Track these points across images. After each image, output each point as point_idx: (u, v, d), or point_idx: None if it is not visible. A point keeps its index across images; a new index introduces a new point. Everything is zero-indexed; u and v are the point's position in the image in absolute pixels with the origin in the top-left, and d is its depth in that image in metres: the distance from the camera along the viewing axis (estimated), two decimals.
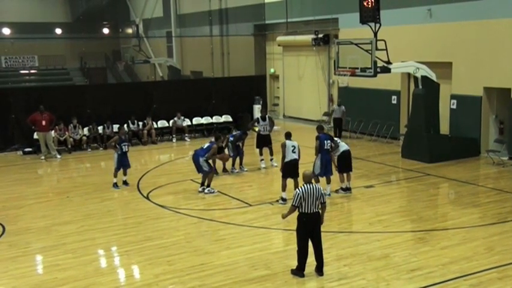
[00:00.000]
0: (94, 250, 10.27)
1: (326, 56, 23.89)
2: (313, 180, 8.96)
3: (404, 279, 8.50)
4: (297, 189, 8.60)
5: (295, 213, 8.63)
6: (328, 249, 9.38)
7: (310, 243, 8.62)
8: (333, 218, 11.59)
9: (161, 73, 35.81)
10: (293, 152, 12.66)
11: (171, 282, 8.67)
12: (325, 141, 12.84)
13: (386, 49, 15.38)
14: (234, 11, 29.25)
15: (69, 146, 19.76)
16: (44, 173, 17.72)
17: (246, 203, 12.85)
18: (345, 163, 13.23)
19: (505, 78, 16.14)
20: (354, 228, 11.20)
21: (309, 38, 23.77)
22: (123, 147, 14.36)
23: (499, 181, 14.42)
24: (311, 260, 8.68)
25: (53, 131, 19.15)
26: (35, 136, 19.25)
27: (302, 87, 25.80)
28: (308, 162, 13.26)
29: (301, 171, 11.56)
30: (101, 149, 20.17)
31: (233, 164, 15.87)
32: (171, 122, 21.83)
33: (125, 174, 14.63)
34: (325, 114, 23.47)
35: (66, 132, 19.78)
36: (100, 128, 20.51)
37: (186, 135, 21.89)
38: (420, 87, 16.79)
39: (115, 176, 14.49)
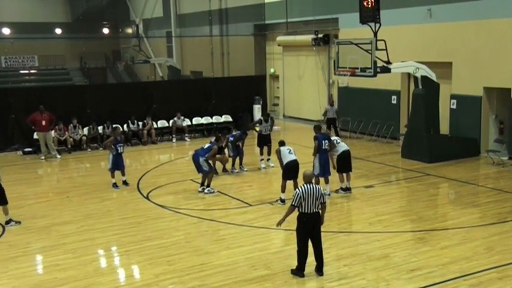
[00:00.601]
0: (94, 250, 10.27)
1: (326, 56, 23.90)
2: (313, 180, 8.97)
3: (404, 279, 8.51)
4: (297, 189, 8.61)
5: (295, 213, 8.63)
6: (328, 249, 9.39)
7: (310, 243, 8.62)
8: (333, 218, 11.59)
9: (161, 73, 35.83)
10: (290, 153, 12.69)
11: (171, 282, 8.68)
12: (323, 141, 12.85)
13: (386, 49, 15.38)
14: (234, 11, 29.26)
15: (69, 146, 19.76)
16: (44, 173, 17.72)
17: (246, 203, 12.86)
18: (345, 163, 13.23)
19: (505, 78, 16.14)
20: (353, 228, 11.20)
21: (308, 38, 23.78)
22: (119, 148, 14.35)
23: (499, 181, 14.42)
24: (311, 260, 8.69)
25: (53, 131, 19.15)
26: (35, 136, 19.25)
27: (302, 87, 25.80)
28: (307, 162, 13.26)
29: (300, 171, 11.61)
30: (101, 149, 20.13)
31: (233, 164, 15.87)
32: (171, 122, 21.83)
33: (123, 174, 14.63)
34: (325, 114, 23.46)
35: (66, 132, 19.78)
36: (100, 128, 20.51)
37: (186, 135, 21.89)
38: (420, 87, 16.80)
39: (112, 176, 14.49)
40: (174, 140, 21.66)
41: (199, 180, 14.01)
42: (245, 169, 16.02)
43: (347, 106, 22.02)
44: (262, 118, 16.64)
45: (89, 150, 20.01)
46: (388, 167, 16.40)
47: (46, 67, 38.31)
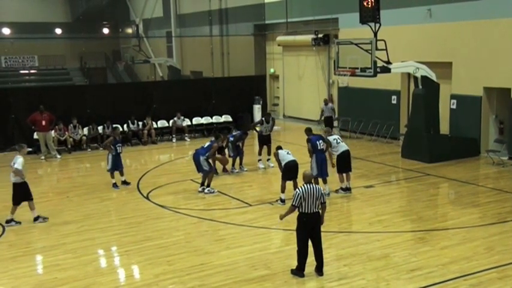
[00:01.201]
0: (94, 250, 10.27)
1: (326, 56, 23.90)
2: (313, 181, 8.97)
3: (404, 279, 8.51)
4: (297, 189, 8.61)
5: (295, 213, 8.63)
6: (328, 249, 9.39)
7: (310, 243, 8.62)
8: (333, 218, 11.59)
9: (161, 73, 35.83)
10: (288, 154, 12.76)
11: (171, 282, 8.68)
12: (317, 142, 12.84)
13: (386, 49, 15.38)
14: (233, 11, 29.26)
15: (69, 146, 19.76)
16: (44, 173, 17.72)
17: (246, 203, 12.86)
18: (345, 163, 13.23)
19: (505, 78, 16.14)
20: (353, 228, 11.20)
21: (308, 38, 23.78)
22: (118, 148, 14.36)
23: (499, 181, 14.42)
24: (311, 259, 8.69)
25: (53, 131, 19.15)
26: (35, 136, 19.25)
27: (302, 87, 25.80)
28: (307, 162, 13.26)
29: (300, 171, 11.61)
30: (101, 149, 20.14)
31: (233, 164, 15.87)
32: (171, 122, 21.83)
33: (121, 174, 14.63)
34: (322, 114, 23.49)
35: (66, 132, 19.78)
36: (100, 128, 20.51)
37: (186, 135, 21.89)
38: (420, 87, 16.80)
39: (112, 176, 14.50)
40: (174, 140, 21.66)
41: (199, 180, 14.01)
42: (245, 169, 16.02)
43: (347, 106, 22.03)
44: (263, 118, 16.63)
45: (89, 150, 20.01)
46: (388, 167, 16.40)
47: (46, 67, 38.31)
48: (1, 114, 19.72)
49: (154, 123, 21.55)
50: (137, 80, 37.76)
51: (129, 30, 42.06)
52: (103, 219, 11.98)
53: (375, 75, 15.58)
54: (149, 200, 13.42)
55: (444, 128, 17.59)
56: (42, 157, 18.70)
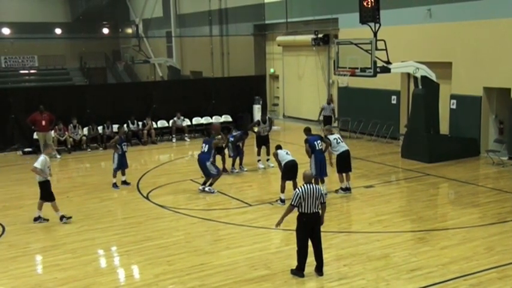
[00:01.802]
0: (94, 250, 10.27)
1: (326, 56, 23.90)
2: (313, 181, 8.97)
3: (404, 279, 8.51)
4: (297, 189, 8.62)
5: (295, 214, 8.63)
6: (327, 249, 9.39)
7: (310, 243, 8.62)
8: (333, 218, 11.59)
9: (161, 73, 35.83)
10: (287, 154, 12.80)
11: (171, 282, 8.68)
12: (315, 142, 12.82)
13: (386, 49, 15.38)
14: (233, 11, 29.26)
15: (69, 146, 19.76)
16: None
17: (246, 203, 12.86)
18: (344, 163, 13.22)
19: (505, 78, 16.14)
20: (353, 228, 11.20)
21: (308, 38, 23.78)
22: (123, 147, 14.37)
23: (499, 181, 14.42)
24: (311, 259, 8.69)
25: (52, 131, 19.14)
26: (35, 136, 19.26)
27: (302, 87, 25.80)
28: (306, 162, 13.25)
29: (300, 171, 11.61)
30: (101, 149, 20.18)
31: (233, 164, 15.87)
32: (170, 122, 21.83)
33: (123, 174, 14.63)
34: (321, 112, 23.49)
35: (66, 133, 19.77)
36: (100, 128, 20.51)
37: (186, 135, 21.89)
38: (420, 87, 16.80)
39: (114, 176, 14.50)
40: (174, 140, 21.66)
41: (199, 180, 14.02)
42: (245, 169, 16.02)
43: (347, 106, 22.03)
44: (260, 119, 16.62)
45: (89, 150, 20.01)
46: (388, 167, 16.40)
47: (46, 67, 38.31)
48: (1, 114, 19.72)
49: (154, 123, 21.55)
50: (137, 80, 37.76)
51: (129, 30, 42.06)
52: (103, 219, 11.98)
53: (374, 75, 15.59)
54: (149, 200, 13.42)
55: (444, 128, 17.60)
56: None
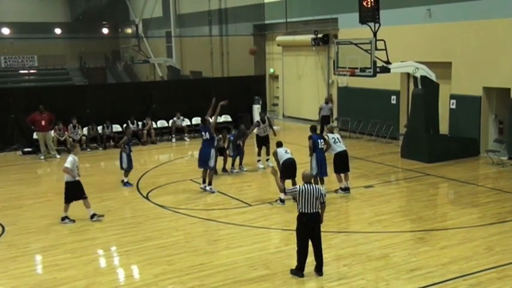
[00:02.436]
0: (93, 250, 10.27)
1: (325, 56, 23.90)
2: (312, 180, 8.97)
3: (403, 279, 8.51)
4: (298, 185, 8.62)
5: (295, 214, 8.64)
6: (327, 249, 9.38)
7: (310, 243, 8.62)
8: (332, 218, 11.59)
9: (161, 73, 35.82)
10: (286, 153, 12.84)
11: (170, 282, 8.67)
12: (319, 140, 12.90)
13: (385, 49, 15.38)
14: (233, 11, 29.26)
15: (69, 146, 19.73)
16: (44, 173, 17.72)
17: (246, 203, 12.86)
18: (341, 163, 13.20)
19: (505, 78, 16.14)
20: (353, 228, 11.20)
21: (308, 38, 23.78)
22: (130, 147, 14.57)
23: (499, 181, 14.42)
24: (311, 259, 8.69)
25: (52, 131, 19.14)
26: (35, 136, 19.26)
27: (301, 87, 25.81)
28: (306, 162, 13.26)
29: (299, 171, 11.61)
30: (101, 149, 20.18)
31: (232, 164, 15.87)
32: (170, 122, 21.82)
33: (126, 174, 14.67)
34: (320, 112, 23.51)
35: (66, 132, 19.77)
36: (99, 128, 20.51)
37: (186, 135, 21.88)
38: (420, 87, 16.80)
39: (126, 175, 14.61)
40: (173, 140, 21.66)
41: (199, 180, 14.02)
42: (244, 169, 16.02)
43: (346, 106, 22.04)
44: (259, 120, 16.58)
45: (89, 150, 20.00)
46: (387, 167, 16.40)
47: (45, 67, 38.30)
48: (1, 114, 19.70)
49: (153, 123, 21.55)
50: (137, 80, 37.75)
51: (129, 30, 42.07)
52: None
53: (374, 75, 15.59)
54: (149, 200, 13.42)
55: (444, 128, 17.60)
56: (42, 157, 18.69)
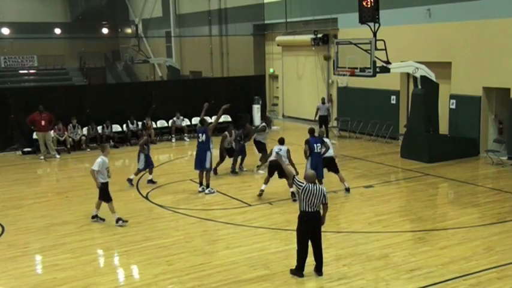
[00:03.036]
0: (93, 250, 10.28)
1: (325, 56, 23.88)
2: (316, 181, 8.97)
3: (403, 279, 8.51)
4: (305, 183, 8.57)
5: (296, 213, 8.66)
6: (327, 249, 9.39)
7: (310, 244, 8.62)
8: (332, 218, 11.58)
9: (160, 73, 35.80)
10: (276, 152, 12.87)
11: (170, 282, 8.67)
12: (315, 145, 12.76)
13: (385, 49, 15.39)
14: (233, 11, 29.25)
15: (68, 146, 19.74)
16: (43, 173, 17.71)
17: (246, 203, 12.86)
18: (328, 166, 13.21)
19: (504, 78, 16.15)
20: (353, 228, 11.19)
21: (308, 38, 23.78)
22: (149, 146, 14.79)
23: (498, 181, 14.43)
24: (310, 259, 8.69)
25: (52, 131, 19.14)
26: (34, 136, 19.25)
27: (301, 87, 25.81)
28: (303, 163, 13.22)
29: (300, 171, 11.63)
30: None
31: (234, 163, 15.83)
32: (170, 122, 21.82)
33: (151, 173, 14.84)
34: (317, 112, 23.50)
35: (65, 132, 19.76)
36: (99, 128, 20.50)
37: (186, 135, 21.87)
38: (419, 87, 16.80)
39: (136, 174, 14.76)
40: (173, 140, 21.65)
41: (198, 180, 14.00)
42: (244, 169, 16.02)
43: (346, 106, 22.04)
44: (265, 125, 16.36)
45: (88, 150, 19.98)
46: (387, 167, 16.40)
47: (45, 67, 38.24)
48: (0, 114, 19.71)
49: (153, 123, 21.54)
50: (136, 80, 37.73)
51: (129, 30, 42.02)
52: None
53: (374, 75, 15.60)
54: (148, 200, 13.41)
55: (443, 128, 17.60)
56: (42, 157, 18.69)
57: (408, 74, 18.50)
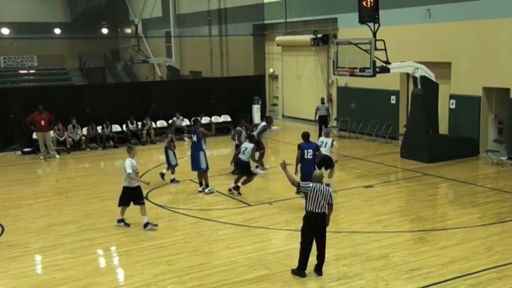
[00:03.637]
0: (93, 250, 10.27)
1: (325, 56, 23.89)
2: (323, 181, 8.98)
3: (403, 279, 8.51)
4: (312, 183, 8.60)
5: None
6: (327, 249, 9.36)
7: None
8: (332, 217, 11.51)
9: (160, 73, 35.81)
10: (242, 153, 13.42)
11: (170, 282, 8.68)
12: (306, 150, 12.43)
13: (385, 49, 15.38)
14: (233, 11, 29.26)
15: (68, 146, 19.74)
16: (43, 173, 17.71)
17: (245, 203, 12.85)
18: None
19: (504, 78, 16.15)
20: (353, 228, 11.18)
21: (308, 38, 23.77)
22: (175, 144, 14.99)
23: (498, 181, 14.43)
24: (312, 259, 8.69)
25: (52, 131, 19.14)
26: (34, 136, 19.26)
27: (301, 87, 25.80)
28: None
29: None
30: (100, 149, 20.18)
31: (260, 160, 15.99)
32: (170, 121, 21.81)
33: (173, 172, 14.96)
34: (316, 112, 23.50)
35: (65, 133, 19.76)
36: (99, 128, 20.50)
37: (185, 135, 21.85)
38: (419, 87, 16.81)
39: (173, 172, 14.85)
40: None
41: (198, 180, 14.00)
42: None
43: (346, 106, 22.04)
44: (266, 124, 16.35)
45: (88, 150, 19.99)
46: (387, 167, 16.40)
47: (45, 67, 38.26)
48: (0, 114, 19.71)
49: (153, 123, 21.53)
50: (136, 80, 37.74)
51: (128, 30, 42.04)
52: (102, 219, 11.96)
53: (374, 75, 15.59)
54: (148, 200, 13.38)
55: (443, 128, 17.60)
56: (41, 157, 18.68)
57: (408, 74, 18.50)
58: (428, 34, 18.31)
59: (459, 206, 12.43)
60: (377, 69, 15.53)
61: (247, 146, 13.53)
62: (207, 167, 13.82)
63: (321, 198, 8.44)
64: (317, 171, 9.13)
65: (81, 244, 10.45)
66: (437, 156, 16.46)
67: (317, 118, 21.04)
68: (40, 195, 14.30)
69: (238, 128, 16.04)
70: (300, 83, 25.92)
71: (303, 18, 24.51)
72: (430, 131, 16.77)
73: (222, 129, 22.52)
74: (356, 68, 15.94)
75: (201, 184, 13.85)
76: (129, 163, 10.92)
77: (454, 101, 17.72)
